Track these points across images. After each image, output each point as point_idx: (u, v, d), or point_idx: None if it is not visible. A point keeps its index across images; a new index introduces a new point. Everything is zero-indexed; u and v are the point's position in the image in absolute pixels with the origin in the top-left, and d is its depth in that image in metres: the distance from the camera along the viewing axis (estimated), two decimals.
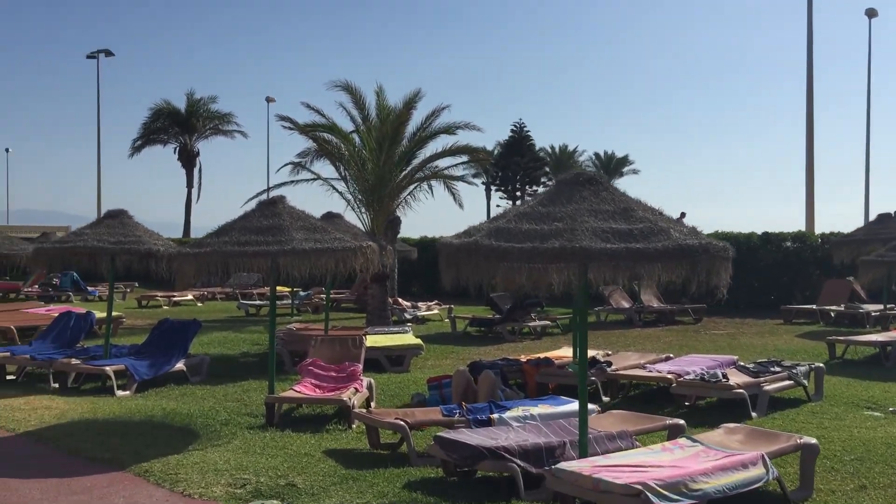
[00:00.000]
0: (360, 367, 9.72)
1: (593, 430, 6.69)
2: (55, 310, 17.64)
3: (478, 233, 5.86)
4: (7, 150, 79.49)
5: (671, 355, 11.71)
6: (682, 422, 7.29)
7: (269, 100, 51.63)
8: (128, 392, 10.35)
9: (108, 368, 10.43)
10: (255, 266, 8.41)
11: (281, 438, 7.82)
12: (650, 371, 10.19)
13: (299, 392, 8.85)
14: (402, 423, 6.99)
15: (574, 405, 7.96)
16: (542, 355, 11.56)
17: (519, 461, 6.09)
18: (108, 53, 46.12)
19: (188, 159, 48.09)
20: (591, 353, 11.83)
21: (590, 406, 7.84)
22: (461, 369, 9.44)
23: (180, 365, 11.31)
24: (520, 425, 7.09)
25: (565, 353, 11.85)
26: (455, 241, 5.84)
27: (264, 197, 10.24)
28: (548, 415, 7.57)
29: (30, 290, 26.83)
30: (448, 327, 18.81)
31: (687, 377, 9.53)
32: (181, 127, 47.63)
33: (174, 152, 48.27)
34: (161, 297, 24.62)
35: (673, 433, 7.11)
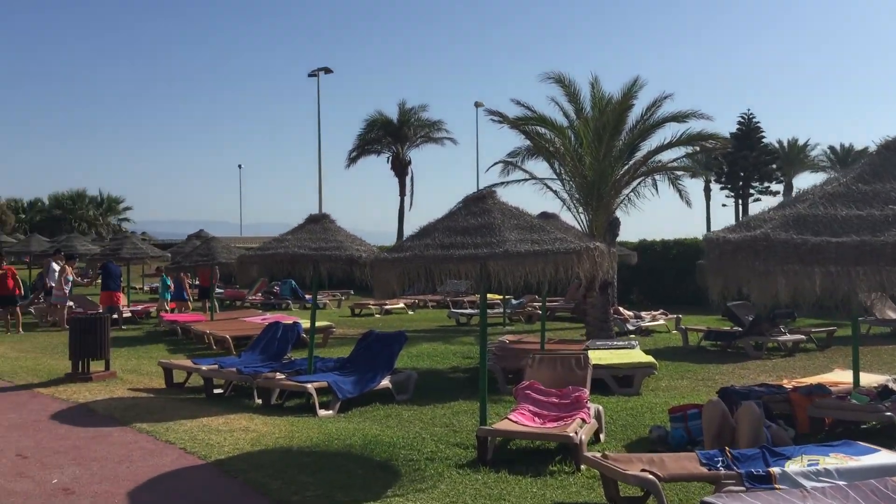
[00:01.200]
0: (587, 392, 8.17)
1: None
2: (270, 318, 17.61)
3: (765, 224, 4.14)
4: (240, 167, 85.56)
5: None
6: None
7: (477, 104, 51.25)
8: (331, 412, 9.49)
9: (309, 386, 9.63)
10: (462, 271, 7.09)
11: (496, 483, 6.43)
12: None
13: (516, 422, 7.46)
14: (650, 477, 5.36)
15: (882, 455, 5.94)
16: (811, 380, 9.41)
17: None
18: (328, 71, 47.63)
19: (400, 168, 48.70)
20: (873, 377, 9.52)
21: (891, 455, 5.83)
22: (714, 400, 7.59)
23: (386, 382, 10.36)
24: (816, 487, 5.22)
25: (841, 377, 9.59)
26: (732, 237, 4.16)
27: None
28: (848, 470, 5.60)
29: (253, 298, 27.70)
30: (677, 340, 16.76)
31: None
32: (393, 136, 48.32)
33: (387, 162, 49.11)
34: (373, 305, 24.35)
35: None
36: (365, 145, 48.49)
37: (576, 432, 7.00)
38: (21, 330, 18.47)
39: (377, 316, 23.57)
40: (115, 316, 20.06)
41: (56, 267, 20.14)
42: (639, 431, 8.46)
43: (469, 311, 21.98)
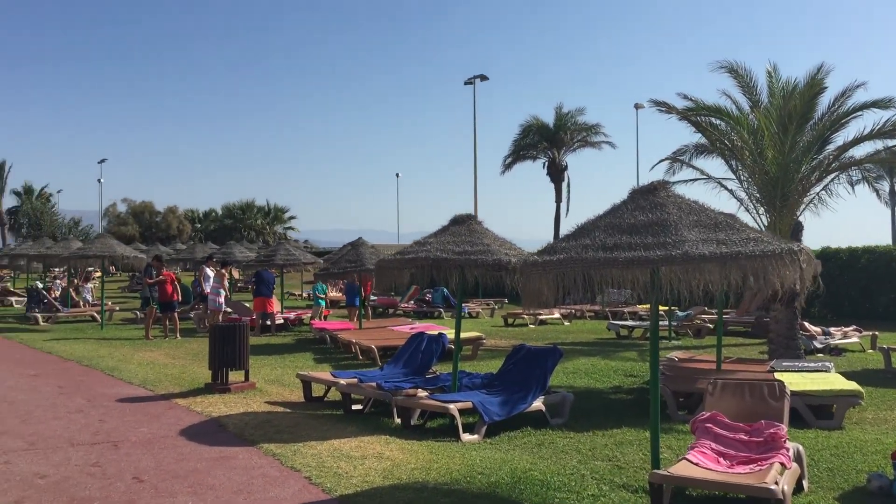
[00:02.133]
0: (785, 428, 6.65)
1: None
2: (418, 328, 16.86)
3: None
4: (397, 175, 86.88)
5: None
6: None
7: (637, 106, 49.15)
8: (476, 436, 8.43)
9: (451, 407, 8.61)
10: (629, 277, 5.80)
11: None
12: None
13: (697, 465, 6.08)
14: None
15: None
16: None
17: None
18: (483, 78, 47.08)
19: (556, 173, 47.24)
20: None
21: None
22: None
23: (538, 403, 9.21)
24: None
25: None
26: None
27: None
28: None
29: (406, 305, 27.23)
30: (875, 361, 14.53)
31: None
32: (549, 141, 46.95)
33: (543, 167, 47.82)
34: (526, 315, 23.16)
35: None
36: (520, 151, 47.42)
37: (776, 482, 5.56)
38: (179, 335, 18.72)
39: (531, 326, 22.39)
40: (269, 323, 20.06)
41: (210, 273, 20.37)
42: (850, 478, 6.84)
43: (630, 322, 20.37)
